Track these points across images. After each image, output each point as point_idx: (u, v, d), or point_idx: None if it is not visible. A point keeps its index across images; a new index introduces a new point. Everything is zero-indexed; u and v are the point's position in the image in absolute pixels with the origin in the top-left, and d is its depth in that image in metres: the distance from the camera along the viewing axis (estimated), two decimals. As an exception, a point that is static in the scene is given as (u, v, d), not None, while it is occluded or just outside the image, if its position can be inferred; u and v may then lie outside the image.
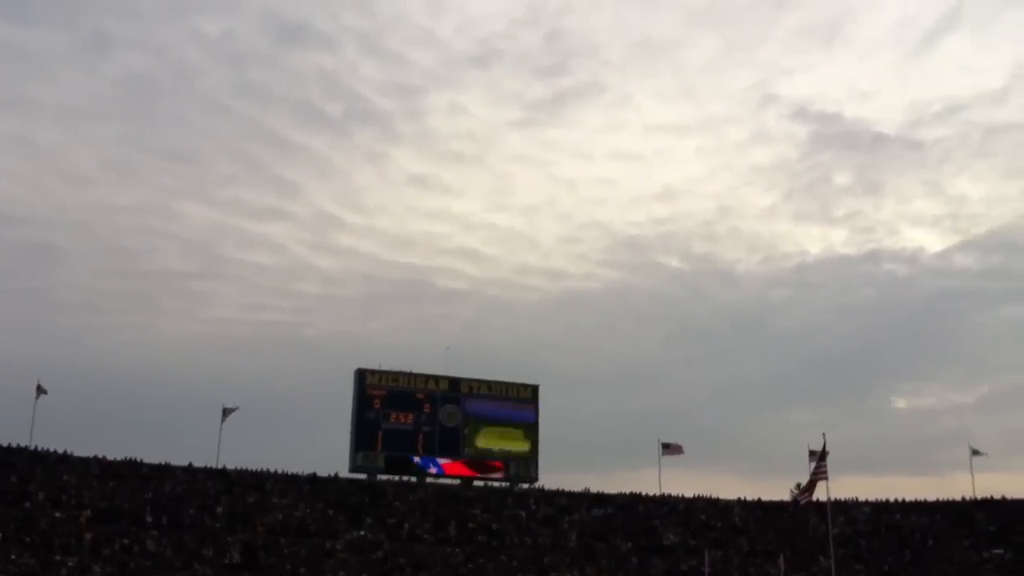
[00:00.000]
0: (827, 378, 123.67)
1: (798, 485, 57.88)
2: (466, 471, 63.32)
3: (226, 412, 58.52)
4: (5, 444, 53.64)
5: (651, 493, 65.31)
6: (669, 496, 65.20)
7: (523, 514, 60.50)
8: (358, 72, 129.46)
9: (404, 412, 62.74)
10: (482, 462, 63.82)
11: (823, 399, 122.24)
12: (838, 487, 73.74)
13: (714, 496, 66.38)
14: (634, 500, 64.70)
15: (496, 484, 63.64)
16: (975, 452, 64.97)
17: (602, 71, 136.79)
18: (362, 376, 62.45)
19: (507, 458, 64.21)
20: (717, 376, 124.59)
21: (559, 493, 64.21)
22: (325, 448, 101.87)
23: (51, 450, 54.69)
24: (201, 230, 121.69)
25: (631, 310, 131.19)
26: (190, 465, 57.00)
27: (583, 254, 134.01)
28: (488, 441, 64.31)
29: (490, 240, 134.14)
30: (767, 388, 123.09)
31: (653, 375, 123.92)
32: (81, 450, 55.39)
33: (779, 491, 72.84)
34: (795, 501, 62.15)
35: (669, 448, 65.46)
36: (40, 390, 54.67)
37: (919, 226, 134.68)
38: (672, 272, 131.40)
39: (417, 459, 62.10)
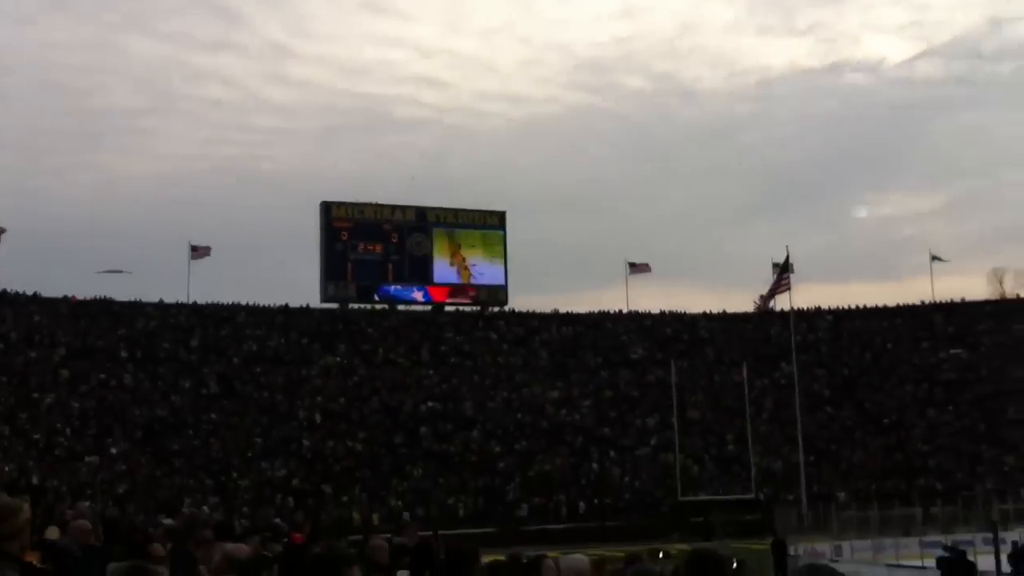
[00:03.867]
0: (791, 191, 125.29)
1: (761, 296, 59.17)
2: (435, 297, 64.07)
3: (194, 249, 58.53)
4: (-29, 288, 53.42)
5: (619, 310, 66.65)
6: (636, 312, 66.49)
7: (494, 336, 61.71)
8: None
9: (372, 243, 62.79)
10: (450, 288, 64.53)
11: (787, 212, 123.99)
12: (801, 297, 75.81)
13: (680, 310, 67.79)
14: (602, 318, 66.00)
15: (467, 309, 64.56)
16: (935, 258, 66.39)
17: None
18: (327, 208, 62.17)
19: (475, 283, 64.90)
20: (682, 194, 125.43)
21: (529, 315, 65.32)
22: (295, 281, 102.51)
23: (20, 292, 54.53)
24: (148, 65, 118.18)
25: (595, 133, 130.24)
26: (161, 301, 57.23)
27: (545, 77, 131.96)
28: (456, 267, 64.92)
29: (449, 66, 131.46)
30: (732, 204, 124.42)
31: (618, 197, 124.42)
32: (50, 291, 55.35)
33: (744, 303, 74.45)
34: (758, 309, 63.88)
35: (636, 267, 66.42)
36: (-1, 230, 54.17)
37: (882, 34, 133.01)
38: (635, 92, 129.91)
39: (389, 287, 62.60)
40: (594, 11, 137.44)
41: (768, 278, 54.29)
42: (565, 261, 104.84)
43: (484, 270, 65.20)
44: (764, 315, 63.68)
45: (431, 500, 46.17)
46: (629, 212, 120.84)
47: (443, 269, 64.46)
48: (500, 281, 65.35)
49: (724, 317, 67.30)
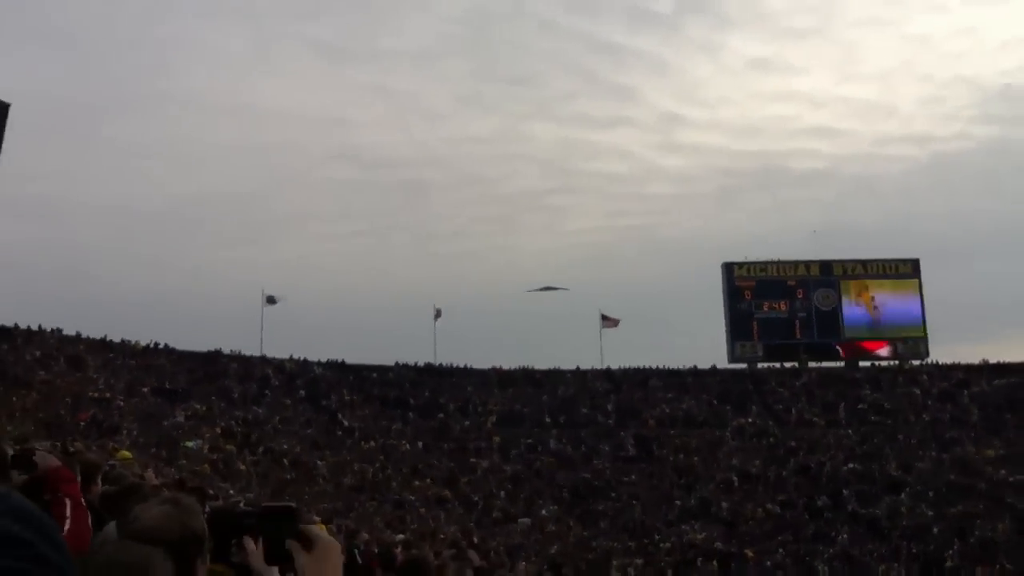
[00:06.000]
0: None
1: None
2: (848, 353, 61.55)
3: (605, 318, 61.39)
4: (413, 363, 59.26)
5: (1061, 358, 60.12)
6: (1083, 360, 59.63)
7: (917, 391, 57.99)
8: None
9: (777, 300, 61.97)
10: (864, 343, 61.77)
11: None
12: None
13: None
14: (1041, 367, 59.83)
15: (884, 363, 61.36)
16: None
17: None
18: (729, 269, 62.31)
19: (893, 336, 61.60)
20: None
21: (954, 367, 60.72)
22: (701, 342, 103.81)
23: (454, 365, 59.72)
24: (552, 148, 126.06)
25: (1013, 165, 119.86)
26: (577, 368, 60.09)
27: (950, 114, 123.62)
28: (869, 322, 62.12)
29: (843, 115, 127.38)
30: None
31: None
32: (479, 363, 60.17)
33: None
34: None
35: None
36: (437, 313, 60.28)
37: None
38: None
39: (798, 345, 61.17)
40: (998, 39, 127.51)
41: None
42: (990, 307, 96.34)
43: (900, 322, 61.78)
44: None
45: (861, 567, 43.93)
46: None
47: (854, 324, 61.98)
48: (919, 333, 61.57)
49: None
